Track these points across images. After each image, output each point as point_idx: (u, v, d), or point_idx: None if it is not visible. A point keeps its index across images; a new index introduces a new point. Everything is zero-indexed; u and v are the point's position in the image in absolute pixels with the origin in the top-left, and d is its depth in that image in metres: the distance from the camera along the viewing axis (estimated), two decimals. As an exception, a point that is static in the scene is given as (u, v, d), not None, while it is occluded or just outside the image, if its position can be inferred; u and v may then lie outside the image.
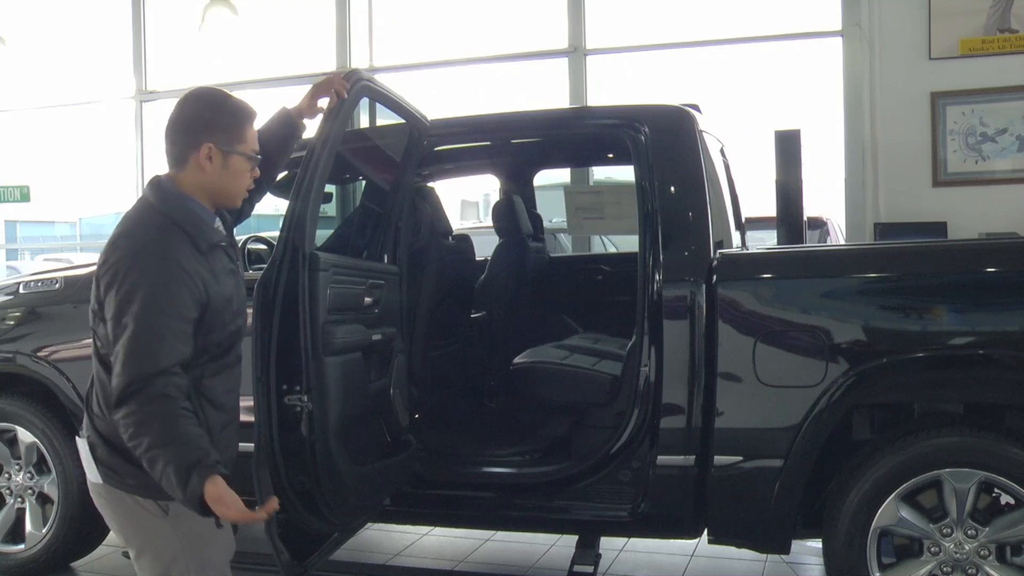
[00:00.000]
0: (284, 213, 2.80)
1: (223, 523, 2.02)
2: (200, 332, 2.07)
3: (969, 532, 2.69)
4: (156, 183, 2.15)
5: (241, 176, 2.18)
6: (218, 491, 1.88)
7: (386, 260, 3.39)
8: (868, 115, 5.51)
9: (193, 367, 2.07)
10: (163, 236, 2.04)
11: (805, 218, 4.18)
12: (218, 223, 2.22)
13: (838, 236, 6.57)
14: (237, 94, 2.25)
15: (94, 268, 3.64)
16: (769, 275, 3.00)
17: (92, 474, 2.12)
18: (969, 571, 2.69)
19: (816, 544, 3.19)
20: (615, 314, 4.30)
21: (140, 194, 2.17)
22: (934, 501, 2.74)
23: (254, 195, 2.44)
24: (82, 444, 2.14)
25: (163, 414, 1.92)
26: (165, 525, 2.09)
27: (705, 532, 3.03)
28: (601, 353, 3.77)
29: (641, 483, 3.06)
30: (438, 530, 4.29)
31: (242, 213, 2.45)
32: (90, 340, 2.14)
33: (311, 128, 2.84)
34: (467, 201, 13.70)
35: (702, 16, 6.34)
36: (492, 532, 4.22)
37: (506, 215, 4.46)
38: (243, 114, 2.18)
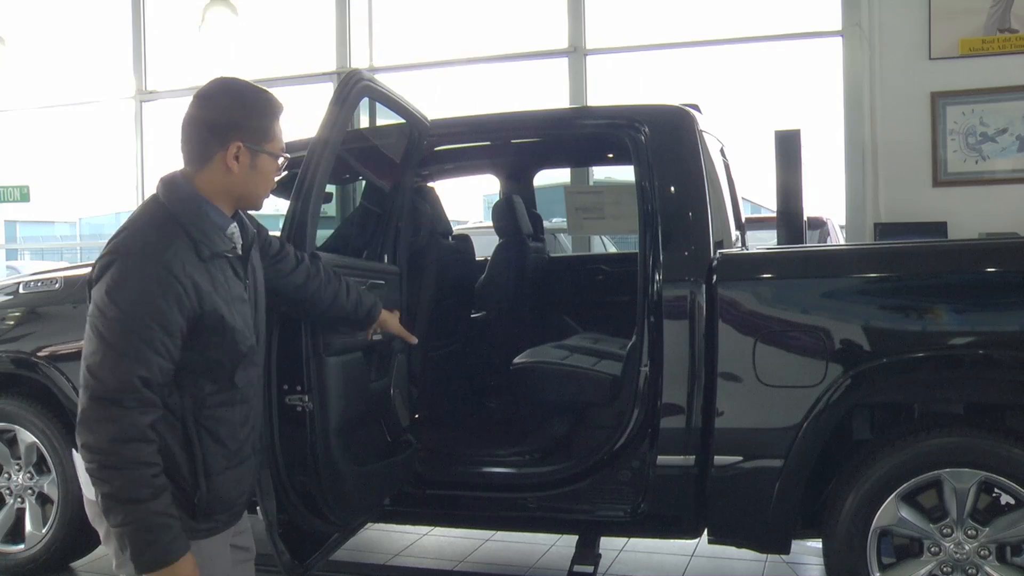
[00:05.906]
0: (284, 214, 2.80)
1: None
2: (194, 347, 1.87)
3: (969, 532, 2.69)
4: (169, 181, 1.97)
5: (268, 177, 2.03)
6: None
7: (386, 260, 3.39)
8: (868, 115, 5.51)
9: (189, 388, 1.90)
10: (162, 237, 1.86)
11: (805, 218, 4.18)
12: (233, 230, 2.01)
13: (838, 236, 6.57)
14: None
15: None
16: (769, 275, 3.00)
17: (90, 491, 1.90)
18: (969, 571, 2.69)
19: (816, 544, 3.19)
20: (615, 314, 4.30)
21: (148, 193, 2.03)
22: (934, 501, 2.74)
23: None
24: (79, 458, 1.85)
25: (130, 457, 1.74)
26: None
27: (705, 532, 3.03)
28: (601, 353, 3.77)
29: (641, 483, 3.06)
30: (438, 530, 4.28)
31: None
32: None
33: (312, 129, 2.84)
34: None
35: (702, 16, 6.35)
36: (492, 532, 4.21)
37: (506, 215, 4.46)
38: (272, 110, 2.01)
